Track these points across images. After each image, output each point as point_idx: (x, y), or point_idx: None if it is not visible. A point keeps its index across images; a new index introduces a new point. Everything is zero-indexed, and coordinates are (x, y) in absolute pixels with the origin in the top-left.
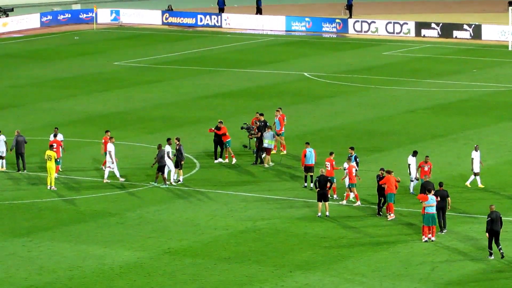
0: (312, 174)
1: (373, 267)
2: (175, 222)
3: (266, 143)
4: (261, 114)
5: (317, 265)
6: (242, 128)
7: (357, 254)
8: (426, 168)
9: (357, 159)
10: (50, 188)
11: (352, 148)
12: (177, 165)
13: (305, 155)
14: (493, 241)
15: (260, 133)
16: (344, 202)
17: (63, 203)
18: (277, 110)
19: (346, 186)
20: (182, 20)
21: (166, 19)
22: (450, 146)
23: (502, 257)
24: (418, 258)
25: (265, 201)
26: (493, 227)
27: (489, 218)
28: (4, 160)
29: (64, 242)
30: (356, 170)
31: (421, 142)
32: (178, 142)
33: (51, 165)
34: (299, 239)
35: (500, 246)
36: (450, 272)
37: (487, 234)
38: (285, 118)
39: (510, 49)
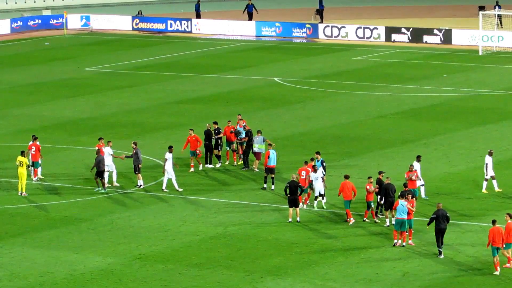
0: (273, 176)
1: (344, 273)
2: (146, 228)
3: (256, 148)
4: (215, 122)
5: (288, 270)
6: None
7: (328, 260)
8: (413, 177)
9: (324, 164)
10: (21, 194)
11: (318, 153)
12: (135, 169)
13: (268, 157)
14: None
15: (247, 138)
16: (304, 206)
17: (34, 209)
18: (239, 116)
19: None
20: (152, 26)
21: (136, 24)
22: (421, 151)
23: (441, 255)
24: (389, 264)
25: (236, 207)
26: (440, 225)
27: (434, 216)
28: None
29: (35, 248)
30: (323, 175)
31: (391, 147)
32: (135, 146)
33: (22, 171)
34: (269, 245)
35: (442, 246)
36: (422, 277)
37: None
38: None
39: (480, 53)
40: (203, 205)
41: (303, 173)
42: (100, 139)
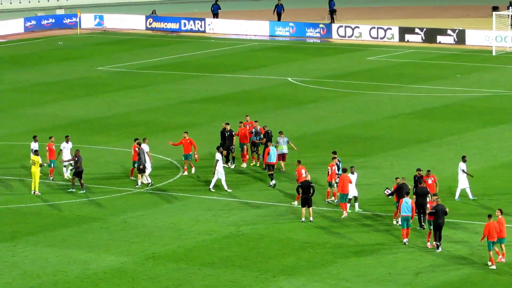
0: (272, 172)
1: (357, 273)
2: (159, 227)
3: (284, 149)
4: (227, 124)
5: (301, 270)
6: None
7: (341, 260)
8: (430, 181)
9: (339, 164)
10: (34, 193)
11: (334, 153)
12: (138, 169)
13: (268, 153)
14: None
15: (265, 139)
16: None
17: (47, 208)
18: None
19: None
20: (166, 25)
21: (150, 24)
22: (434, 151)
23: (438, 248)
24: (402, 264)
25: (249, 206)
26: (438, 220)
27: (433, 210)
28: None
29: (48, 247)
30: (338, 174)
31: (404, 147)
32: (139, 146)
33: (35, 170)
34: (283, 244)
35: (440, 242)
36: (434, 278)
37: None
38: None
39: (494, 54)
40: (216, 205)
41: (303, 170)
42: (135, 140)
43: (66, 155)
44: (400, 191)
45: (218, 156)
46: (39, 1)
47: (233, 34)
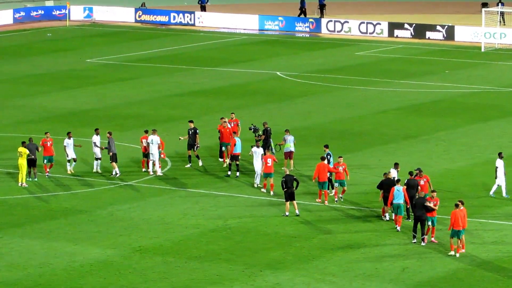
0: (238, 163)
1: (344, 267)
2: (146, 220)
3: (291, 147)
4: (191, 121)
5: (288, 264)
6: (250, 129)
7: (327, 254)
8: (422, 182)
9: (329, 157)
10: (21, 185)
11: (326, 146)
12: (111, 158)
13: (234, 144)
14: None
15: (264, 136)
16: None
17: (34, 200)
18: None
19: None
20: (155, 18)
21: (139, 16)
22: (422, 147)
23: (414, 239)
24: (389, 259)
25: (236, 200)
26: (416, 212)
27: (413, 202)
28: None
29: (35, 239)
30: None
31: (392, 143)
32: (109, 136)
33: (22, 162)
34: (269, 238)
35: (423, 236)
36: (421, 273)
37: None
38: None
39: (483, 50)
40: (203, 198)
41: (269, 160)
42: (146, 131)
43: (70, 151)
44: (383, 187)
45: (256, 150)
46: None
47: (222, 27)
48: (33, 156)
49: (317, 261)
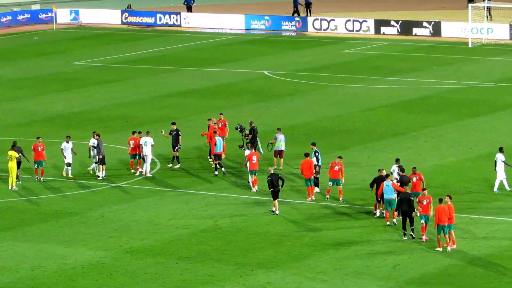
0: (219, 162)
1: (335, 265)
2: (137, 221)
3: (282, 146)
4: (173, 123)
5: (279, 263)
6: (236, 128)
7: (318, 253)
8: (414, 179)
9: (317, 155)
10: (11, 188)
11: (313, 144)
12: (99, 160)
13: (215, 144)
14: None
15: (251, 136)
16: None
17: (25, 203)
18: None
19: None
20: (141, 20)
21: (126, 18)
22: (411, 144)
23: (405, 237)
24: (380, 256)
25: (226, 200)
26: (402, 207)
27: (398, 198)
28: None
29: (26, 242)
30: (317, 165)
31: (381, 140)
32: (97, 138)
33: (12, 165)
34: (260, 238)
35: (412, 227)
36: (412, 270)
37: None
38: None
39: (470, 46)
40: (193, 199)
41: (254, 157)
42: (133, 132)
43: (68, 155)
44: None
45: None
46: None
47: (208, 28)
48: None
49: (308, 259)
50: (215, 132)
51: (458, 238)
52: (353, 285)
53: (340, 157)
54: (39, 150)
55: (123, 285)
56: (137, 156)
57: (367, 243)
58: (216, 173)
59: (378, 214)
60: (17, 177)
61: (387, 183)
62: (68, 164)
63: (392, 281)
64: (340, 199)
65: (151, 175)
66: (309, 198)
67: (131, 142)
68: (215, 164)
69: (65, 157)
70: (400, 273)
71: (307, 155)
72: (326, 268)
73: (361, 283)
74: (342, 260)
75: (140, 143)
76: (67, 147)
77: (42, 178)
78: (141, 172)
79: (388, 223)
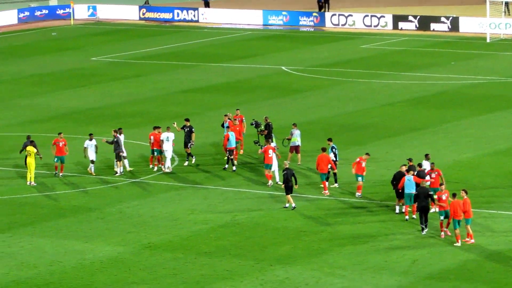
0: (232, 157)
1: (353, 261)
2: (155, 217)
3: (299, 141)
4: (187, 120)
5: (297, 258)
6: (251, 124)
7: (336, 248)
8: (433, 175)
9: (334, 150)
10: (30, 184)
11: (330, 140)
12: (116, 156)
13: (228, 139)
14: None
15: (267, 131)
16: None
17: (43, 198)
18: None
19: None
20: (159, 15)
21: (143, 14)
22: (429, 139)
23: (423, 232)
24: (398, 251)
25: (244, 195)
26: (421, 202)
27: (416, 193)
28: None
29: (45, 238)
30: (335, 161)
31: (399, 135)
32: (116, 134)
33: (31, 160)
34: (278, 233)
35: (426, 223)
36: (430, 265)
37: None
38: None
39: (488, 41)
40: (211, 194)
41: (270, 151)
42: (154, 128)
43: (91, 152)
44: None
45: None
46: None
47: (226, 23)
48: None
49: (326, 254)
50: (227, 127)
51: (476, 233)
52: (371, 280)
53: (367, 154)
54: (60, 145)
55: (141, 280)
56: (155, 152)
57: (385, 238)
58: (226, 166)
59: (397, 211)
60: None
61: (408, 178)
62: (92, 162)
63: (410, 276)
64: (358, 194)
65: (170, 170)
66: (325, 192)
67: (152, 137)
68: (229, 158)
69: (87, 155)
70: (419, 268)
71: (324, 149)
72: (345, 263)
73: (380, 278)
74: (360, 255)
75: (161, 138)
76: (90, 144)
77: (61, 174)
78: (159, 167)
79: (407, 217)
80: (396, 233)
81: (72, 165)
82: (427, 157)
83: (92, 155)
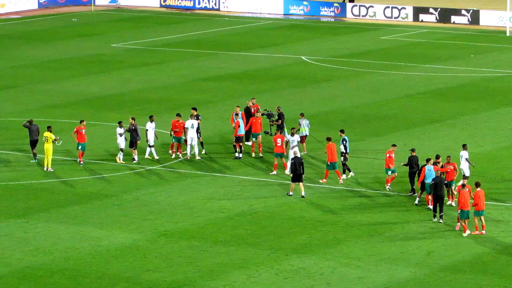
0: (241, 144)
1: (369, 252)
2: (172, 204)
3: (307, 131)
4: (194, 108)
5: (313, 248)
6: (262, 114)
7: (353, 238)
8: (449, 169)
9: (345, 143)
10: (47, 169)
11: (342, 131)
12: (132, 144)
13: (238, 126)
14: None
15: (280, 121)
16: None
17: (60, 184)
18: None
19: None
20: (180, 3)
21: (164, 1)
22: (448, 131)
23: (440, 221)
24: (414, 243)
25: (261, 185)
26: (437, 191)
27: (432, 182)
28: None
29: (60, 224)
30: (344, 153)
31: (418, 127)
32: (133, 122)
33: (48, 146)
34: (295, 223)
35: (442, 213)
36: (446, 257)
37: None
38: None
39: (508, 34)
40: (229, 182)
41: (279, 140)
42: (177, 115)
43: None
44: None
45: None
46: None
47: (247, 12)
48: (36, 137)
49: (342, 245)
50: (237, 114)
51: (492, 226)
52: (386, 271)
53: (394, 145)
54: (83, 133)
55: (157, 268)
56: (174, 139)
57: (401, 229)
58: (237, 154)
59: (417, 202)
60: (35, 155)
61: (428, 167)
62: (122, 150)
63: (425, 268)
64: (388, 186)
65: (199, 158)
66: (323, 180)
67: (177, 124)
68: (239, 146)
69: (119, 143)
70: (434, 260)
71: (329, 139)
72: (360, 254)
73: (395, 269)
74: (376, 246)
75: (186, 126)
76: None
77: (81, 162)
78: (177, 155)
79: (429, 206)
80: (412, 224)
81: (89, 152)
82: (464, 147)
83: (122, 143)
